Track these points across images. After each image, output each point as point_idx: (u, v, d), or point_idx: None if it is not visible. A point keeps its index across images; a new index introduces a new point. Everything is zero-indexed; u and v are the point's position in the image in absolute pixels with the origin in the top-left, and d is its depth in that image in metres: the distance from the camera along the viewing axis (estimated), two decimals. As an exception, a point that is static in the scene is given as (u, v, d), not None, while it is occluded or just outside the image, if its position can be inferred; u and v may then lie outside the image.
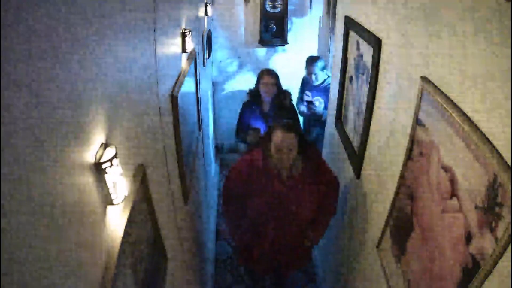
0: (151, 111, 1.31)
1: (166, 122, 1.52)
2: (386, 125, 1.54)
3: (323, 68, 3.34)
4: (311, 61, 3.32)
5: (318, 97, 3.29)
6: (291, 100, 3.13)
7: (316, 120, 3.43)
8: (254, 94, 3.07)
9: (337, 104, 2.46)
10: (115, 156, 0.77)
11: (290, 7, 4.22)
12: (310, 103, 3.28)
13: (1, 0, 0.45)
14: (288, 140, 1.92)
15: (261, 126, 2.99)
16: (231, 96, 4.62)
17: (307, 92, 3.34)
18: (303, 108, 3.41)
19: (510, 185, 0.73)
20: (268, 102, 3.04)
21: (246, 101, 3.17)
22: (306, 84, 3.44)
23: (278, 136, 1.93)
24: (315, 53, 4.35)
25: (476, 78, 0.88)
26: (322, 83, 3.34)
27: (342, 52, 2.26)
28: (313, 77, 3.30)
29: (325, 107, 3.29)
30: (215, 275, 3.29)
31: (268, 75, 2.99)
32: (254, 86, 3.12)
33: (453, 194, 0.96)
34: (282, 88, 3.05)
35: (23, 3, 0.52)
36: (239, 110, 3.22)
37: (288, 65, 4.34)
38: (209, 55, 3.63)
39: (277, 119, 2.88)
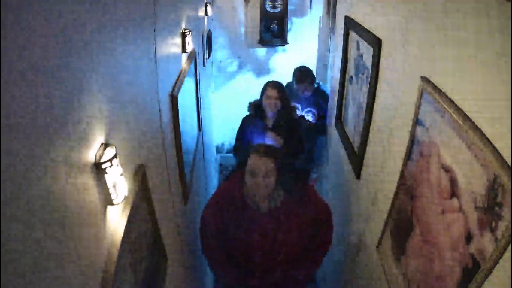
0: (151, 111, 1.31)
1: (166, 122, 1.52)
2: (386, 125, 1.54)
3: (313, 81, 3.11)
4: (301, 77, 3.05)
5: (310, 109, 3.10)
6: (296, 115, 2.86)
7: (310, 132, 3.12)
8: (256, 108, 2.73)
9: (337, 104, 2.46)
10: (115, 156, 0.78)
11: (290, 7, 4.23)
12: (301, 118, 3.02)
13: (1, 0, 0.45)
14: (264, 166, 1.66)
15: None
16: (231, 96, 4.62)
17: (296, 105, 3.07)
18: None
19: (510, 185, 0.73)
20: (272, 117, 2.72)
21: (247, 116, 2.82)
22: (292, 95, 3.09)
23: (252, 160, 1.68)
24: (314, 53, 4.35)
25: (476, 78, 0.88)
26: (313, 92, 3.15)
27: (342, 52, 2.26)
28: (305, 93, 3.09)
29: (318, 118, 3.11)
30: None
31: (272, 88, 2.67)
32: (257, 99, 2.79)
33: (453, 194, 0.96)
34: (288, 103, 2.72)
35: (24, 3, 0.52)
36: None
37: (288, 65, 4.35)
38: (209, 55, 3.63)
39: (274, 132, 2.63)
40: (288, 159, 1.83)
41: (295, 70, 3.13)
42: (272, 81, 2.75)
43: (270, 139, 2.61)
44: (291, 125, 2.70)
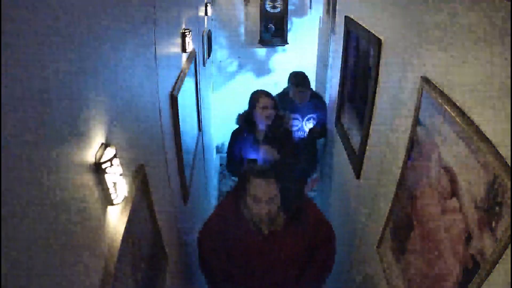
0: (151, 111, 1.31)
1: (166, 122, 1.52)
2: (386, 125, 1.54)
3: (309, 86, 3.00)
4: (298, 83, 2.89)
5: (311, 116, 3.02)
6: (290, 125, 2.69)
7: (313, 136, 3.06)
8: (246, 120, 2.51)
9: (337, 104, 2.46)
10: (115, 156, 0.78)
11: (290, 7, 4.23)
12: (315, 128, 2.95)
13: (1, 0, 0.45)
14: (269, 190, 1.58)
15: (256, 157, 2.52)
16: (231, 96, 4.62)
17: (297, 116, 2.95)
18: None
19: (510, 185, 0.73)
20: (262, 129, 2.50)
21: (237, 129, 2.60)
22: (288, 104, 2.88)
23: (256, 185, 1.58)
24: (314, 53, 4.35)
25: (476, 78, 0.88)
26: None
27: (342, 52, 2.26)
28: (304, 101, 2.97)
29: (318, 121, 3.04)
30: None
31: (266, 97, 2.43)
32: (245, 110, 2.55)
33: (453, 194, 0.96)
34: (279, 112, 2.50)
35: (24, 3, 0.52)
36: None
37: (288, 65, 4.35)
38: (209, 55, 3.63)
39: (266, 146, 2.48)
40: (285, 176, 1.74)
41: (291, 75, 2.99)
42: (263, 90, 2.54)
43: (264, 153, 2.47)
44: (284, 136, 2.54)
